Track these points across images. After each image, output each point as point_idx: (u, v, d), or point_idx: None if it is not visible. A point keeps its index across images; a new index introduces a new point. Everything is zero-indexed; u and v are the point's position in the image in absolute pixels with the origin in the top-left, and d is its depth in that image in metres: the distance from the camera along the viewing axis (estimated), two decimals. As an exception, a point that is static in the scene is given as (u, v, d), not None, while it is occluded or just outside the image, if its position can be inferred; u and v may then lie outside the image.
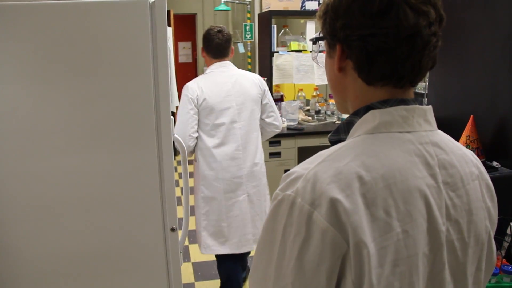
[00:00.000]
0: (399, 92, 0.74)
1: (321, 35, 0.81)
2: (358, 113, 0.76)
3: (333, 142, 0.80)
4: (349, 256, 0.62)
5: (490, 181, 0.81)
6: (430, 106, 0.76)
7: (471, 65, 2.03)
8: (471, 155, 0.80)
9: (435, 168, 0.72)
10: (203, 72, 10.15)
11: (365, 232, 0.62)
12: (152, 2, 1.44)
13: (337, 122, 3.77)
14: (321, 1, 3.83)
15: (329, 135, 0.83)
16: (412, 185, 0.68)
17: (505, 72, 1.90)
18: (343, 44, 0.74)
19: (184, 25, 9.07)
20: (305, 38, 3.85)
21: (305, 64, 3.73)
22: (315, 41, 0.87)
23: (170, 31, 1.59)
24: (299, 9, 3.81)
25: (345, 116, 3.25)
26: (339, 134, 0.80)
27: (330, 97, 3.99)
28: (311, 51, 3.74)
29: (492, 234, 0.79)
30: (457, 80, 2.12)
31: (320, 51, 0.91)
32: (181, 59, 9.60)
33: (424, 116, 0.74)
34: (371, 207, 0.64)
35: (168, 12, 6.29)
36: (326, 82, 3.80)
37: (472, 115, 2.02)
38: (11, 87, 1.44)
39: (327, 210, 0.63)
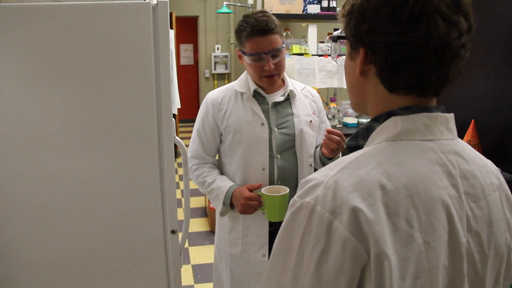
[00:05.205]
0: (422, 100, 0.72)
1: (343, 34, 0.77)
2: (378, 119, 0.73)
3: (350, 148, 0.78)
4: (369, 267, 0.60)
5: (509, 192, 0.79)
6: (452, 114, 0.74)
7: (472, 69, 2.03)
8: (491, 165, 0.78)
9: (457, 178, 0.70)
10: (204, 74, 10.10)
11: (387, 243, 0.61)
12: (154, 4, 1.45)
13: (338, 125, 3.76)
14: (323, 4, 3.83)
15: (346, 140, 0.81)
16: (434, 195, 0.66)
17: (507, 76, 1.90)
18: (367, 48, 0.70)
19: (186, 28, 9.09)
20: (306, 42, 3.85)
21: (306, 68, 3.73)
22: (336, 39, 0.83)
23: (172, 33, 1.59)
24: (301, 13, 3.81)
25: (349, 118, 3.22)
26: (357, 139, 0.78)
27: (332, 100, 3.99)
28: (314, 54, 3.75)
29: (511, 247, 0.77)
30: (459, 85, 2.13)
31: (341, 55, 0.87)
32: (183, 61, 9.63)
33: (446, 124, 0.72)
34: (393, 217, 0.62)
35: (170, 14, 6.31)
36: (327, 85, 3.80)
37: (473, 120, 2.02)
38: (13, 88, 1.44)
39: (348, 219, 0.60)
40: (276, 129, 1.73)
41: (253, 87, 1.75)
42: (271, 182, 1.74)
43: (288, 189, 1.62)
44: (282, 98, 1.77)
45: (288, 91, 1.77)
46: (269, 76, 1.68)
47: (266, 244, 1.74)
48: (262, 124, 1.72)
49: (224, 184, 1.73)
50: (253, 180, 1.72)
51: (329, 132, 1.65)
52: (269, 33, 1.63)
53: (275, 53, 1.66)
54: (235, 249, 1.79)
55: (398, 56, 0.67)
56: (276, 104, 1.76)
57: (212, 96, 1.81)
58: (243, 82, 1.78)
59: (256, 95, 1.76)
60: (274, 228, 1.74)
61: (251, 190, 1.69)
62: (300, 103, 1.80)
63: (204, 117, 1.80)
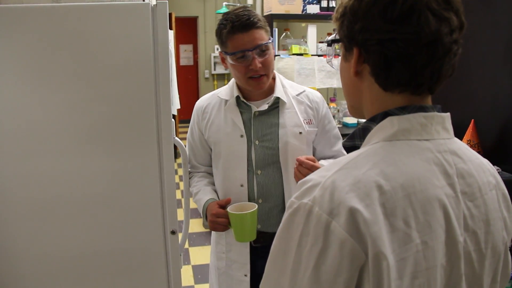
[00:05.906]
0: (417, 99, 0.72)
1: (337, 37, 0.79)
2: (374, 119, 0.74)
3: (347, 148, 0.79)
4: (367, 267, 0.61)
5: (506, 191, 0.79)
6: (448, 114, 0.75)
7: (472, 69, 2.03)
8: (487, 164, 0.79)
9: (454, 177, 0.70)
10: (204, 74, 10.11)
11: (385, 244, 0.61)
12: (153, 5, 1.45)
13: (338, 126, 3.77)
14: (323, 4, 3.84)
15: (343, 140, 0.81)
16: (432, 195, 0.66)
17: (506, 76, 1.90)
18: (360, 47, 0.72)
19: (186, 28, 9.10)
20: (306, 42, 3.85)
21: (306, 68, 3.74)
22: (330, 43, 0.84)
23: (171, 34, 1.58)
24: (300, 13, 3.82)
25: (349, 118, 3.22)
26: (354, 140, 0.78)
27: (331, 100, 3.99)
28: (314, 54, 3.75)
29: (508, 245, 0.78)
30: (458, 84, 2.12)
31: (339, 55, 0.88)
32: (182, 62, 9.64)
33: (442, 123, 0.73)
34: (391, 217, 0.63)
35: (170, 15, 6.32)
36: (327, 85, 3.80)
37: (473, 119, 2.02)
38: (12, 89, 1.44)
39: (346, 220, 0.61)
40: (257, 141, 1.55)
41: (235, 93, 1.56)
42: (251, 200, 1.57)
43: (256, 206, 1.46)
44: (266, 106, 1.56)
45: (273, 98, 1.56)
46: (256, 77, 1.49)
47: (247, 264, 1.60)
48: (241, 136, 1.55)
49: (203, 197, 1.62)
50: (232, 196, 1.56)
51: (300, 162, 1.39)
52: (251, 27, 1.44)
53: (261, 49, 1.47)
54: (221, 263, 1.68)
55: (391, 52, 0.68)
56: (261, 113, 1.56)
57: (199, 103, 1.68)
58: (230, 88, 1.61)
59: (240, 102, 1.58)
60: (259, 245, 1.59)
61: (222, 206, 1.54)
62: (290, 111, 1.57)
63: (192, 126, 1.69)
